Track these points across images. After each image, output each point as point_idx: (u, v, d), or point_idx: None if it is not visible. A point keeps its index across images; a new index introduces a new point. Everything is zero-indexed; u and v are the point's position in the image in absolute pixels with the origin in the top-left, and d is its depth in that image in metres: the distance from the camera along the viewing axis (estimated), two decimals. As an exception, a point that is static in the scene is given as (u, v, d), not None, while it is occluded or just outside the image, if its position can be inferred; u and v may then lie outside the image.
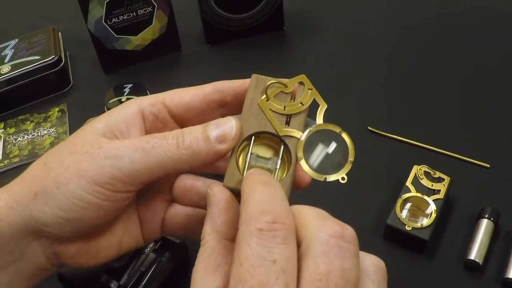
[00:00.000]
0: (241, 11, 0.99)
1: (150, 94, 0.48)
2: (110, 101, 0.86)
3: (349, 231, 0.35)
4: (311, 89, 0.44)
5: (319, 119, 0.43)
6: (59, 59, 0.96)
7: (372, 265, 0.37)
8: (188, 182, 0.49)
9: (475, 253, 0.64)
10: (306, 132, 0.43)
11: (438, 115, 0.85)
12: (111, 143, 0.42)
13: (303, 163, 0.42)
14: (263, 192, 0.37)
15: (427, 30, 1.02)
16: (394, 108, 0.87)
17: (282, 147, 0.43)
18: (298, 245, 0.35)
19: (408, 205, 0.68)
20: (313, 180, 0.43)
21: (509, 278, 0.62)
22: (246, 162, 0.43)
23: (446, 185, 0.69)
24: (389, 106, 0.88)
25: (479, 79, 0.91)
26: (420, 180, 0.69)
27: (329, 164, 0.43)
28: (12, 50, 0.99)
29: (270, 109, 0.43)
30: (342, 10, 1.10)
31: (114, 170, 0.41)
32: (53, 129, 0.90)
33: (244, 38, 1.04)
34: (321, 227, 0.35)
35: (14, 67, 0.94)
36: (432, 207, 0.66)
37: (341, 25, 1.06)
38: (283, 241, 0.34)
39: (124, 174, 0.41)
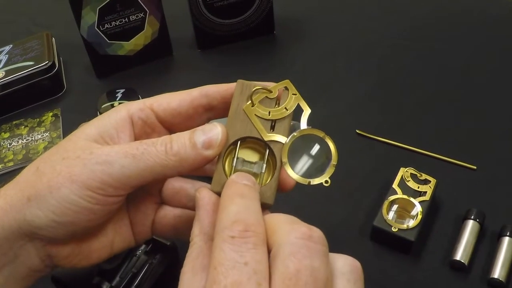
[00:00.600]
0: (232, 16, 1.00)
1: (142, 99, 0.49)
2: (102, 106, 0.87)
3: (316, 232, 0.37)
4: (295, 94, 0.45)
5: (303, 124, 0.45)
6: (53, 65, 0.97)
7: (347, 264, 0.38)
8: (177, 185, 0.50)
9: (461, 253, 0.65)
10: (290, 137, 0.44)
11: (425, 118, 0.86)
12: (101, 149, 0.43)
13: (287, 167, 0.43)
14: (239, 204, 0.39)
15: (415, 35, 1.04)
16: (382, 111, 0.88)
17: (267, 151, 0.44)
18: (270, 250, 0.37)
19: (395, 206, 0.68)
20: (299, 183, 0.44)
21: (494, 278, 0.63)
22: (232, 166, 0.44)
23: (432, 187, 0.70)
24: (377, 110, 0.89)
25: (465, 83, 0.92)
26: (407, 182, 0.70)
27: (313, 168, 0.44)
28: (6, 55, 1.00)
29: (255, 114, 0.44)
30: (332, 14, 1.12)
31: (105, 175, 0.42)
32: (47, 134, 0.91)
33: (235, 42, 1.05)
34: (290, 230, 0.36)
35: (8, 73, 0.95)
36: (418, 209, 0.67)
37: (330, 29, 1.07)
38: (254, 247, 0.36)
39: (115, 179, 0.42)
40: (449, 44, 1.00)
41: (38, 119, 0.94)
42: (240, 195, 0.40)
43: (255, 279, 0.34)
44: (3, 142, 0.90)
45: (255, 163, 0.44)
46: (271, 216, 0.39)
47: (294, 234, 0.36)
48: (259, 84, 0.45)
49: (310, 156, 0.44)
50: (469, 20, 1.06)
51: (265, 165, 0.44)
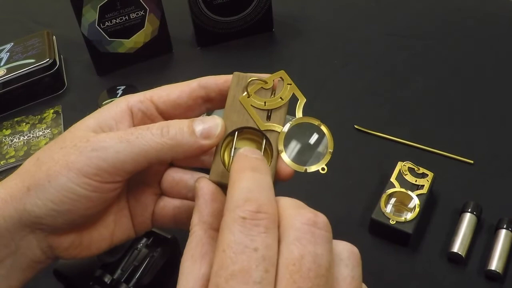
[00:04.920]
0: (231, 14, 1.01)
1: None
2: (103, 103, 0.87)
3: (321, 218, 0.36)
4: (290, 84, 0.45)
5: (299, 113, 0.45)
6: (54, 62, 0.97)
7: (345, 250, 0.38)
8: (176, 176, 0.50)
9: (458, 246, 0.66)
10: (286, 126, 0.44)
11: (423, 113, 0.87)
12: (97, 136, 0.43)
13: (284, 155, 0.44)
14: (250, 179, 0.38)
15: (413, 31, 1.04)
16: (380, 107, 0.89)
17: (264, 141, 0.45)
18: None
19: (393, 200, 0.69)
20: (300, 174, 0.44)
21: (491, 269, 0.63)
22: (230, 156, 0.44)
23: (430, 181, 0.70)
24: (375, 105, 0.89)
25: (462, 78, 0.92)
26: (404, 176, 0.71)
27: (309, 155, 0.44)
28: (8, 53, 1.00)
29: (251, 105, 0.45)
30: (329, 12, 1.12)
31: (100, 161, 0.42)
32: (48, 130, 0.91)
33: (234, 40, 1.06)
34: (296, 215, 0.36)
35: (9, 70, 0.95)
36: (415, 202, 0.68)
37: (328, 26, 1.08)
38: (265, 230, 0.35)
39: (110, 164, 0.42)
40: (447, 40, 1.01)
41: (39, 116, 0.95)
42: (251, 169, 0.39)
43: (263, 266, 0.34)
44: (5, 139, 0.91)
45: (252, 152, 0.45)
46: (278, 199, 0.39)
47: (300, 219, 0.36)
48: (254, 76, 0.45)
49: (306, 144, 0.45)
50: (467, 16, 1.06)
51: (262, 154, 0.44)
